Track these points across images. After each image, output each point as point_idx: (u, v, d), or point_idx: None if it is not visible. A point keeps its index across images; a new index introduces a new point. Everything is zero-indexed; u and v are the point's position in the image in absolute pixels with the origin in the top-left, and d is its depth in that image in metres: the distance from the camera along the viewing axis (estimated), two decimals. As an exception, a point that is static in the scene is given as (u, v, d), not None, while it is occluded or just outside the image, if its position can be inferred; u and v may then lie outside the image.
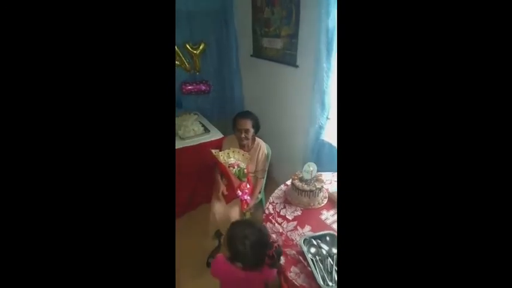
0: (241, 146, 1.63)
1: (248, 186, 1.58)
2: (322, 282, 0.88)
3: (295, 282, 0.91)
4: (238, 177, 1.56)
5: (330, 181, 1.43)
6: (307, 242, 1.02)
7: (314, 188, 1.23)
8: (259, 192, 1.70)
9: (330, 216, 1.20)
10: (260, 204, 1.75)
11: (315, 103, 1.65)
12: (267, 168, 1.73)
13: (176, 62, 2.25)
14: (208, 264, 1.65)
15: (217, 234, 1.63)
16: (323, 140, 1.72)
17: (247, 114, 1.60)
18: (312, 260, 0.95)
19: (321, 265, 0.95)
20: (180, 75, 2.32)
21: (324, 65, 1.51)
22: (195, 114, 2.31)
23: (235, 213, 1.49)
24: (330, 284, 0.88)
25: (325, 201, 1.29)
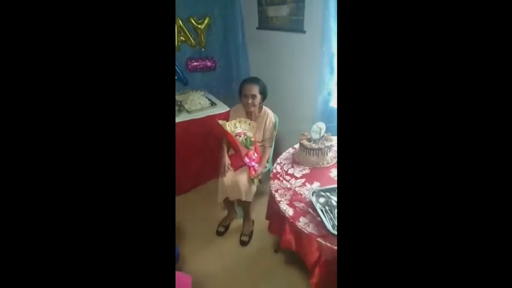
0: (248, 114, 1.60)
1: (256, 154, 1.56)
2: (332, 229, 0.85)
3: (305, 231, 0.89)
4: (245, 146, 1.54)
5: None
6: (316, 194, 1.00)
7: (323, 146, 1.20)
8: (267, 161, 1.68)
9: (340, 174, 1.17)
10: (268, 173, 1.73)
11: (323, 68, 1.60)
12: (274, 137, 1.71)
13: (181, 37, 2.23)
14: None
15: (226, 202, 1.63)
16: (332, 107, 1.68)
17: (254, 80, 1.57)
18: (321, 210, 0.93)
19: (330, 214, 0.92)
20: (185, 51, 2.30)
21: (332, 25, 1.45)
22: (202, 91, 2.30)
23: (243, 180, 1.47)
24: (340, 229, 0.86)
25: (335, 160, 1.25)
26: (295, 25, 1.77)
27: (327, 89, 1.64)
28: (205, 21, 2.23)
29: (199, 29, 2.24)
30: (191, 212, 1.81)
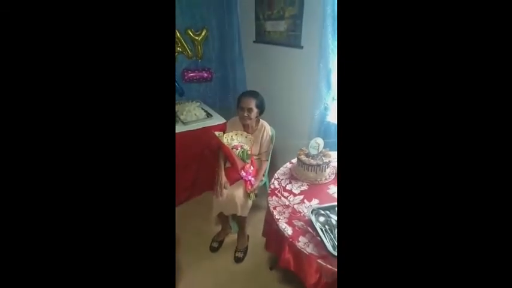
0: (244, 127, 1.59)
1: (252, 168, 1.54)
2: (332, 250, 0.83)
3: (305, 251, 0.87)
4: (242, 159, 1.52)
5: (337, 159, 1.39)
6: (316, 212, 0.98)
7: (321, 162, 1.19)
8: (264, 175, 1.66)
9: (338, 191, 1.16)
10: (264, 188, 1.70)
11: (320, 83, 1.61)
12: (271, 151, 1.69)
13: (178, 48, 2.22)
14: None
15: (221, 216, 1.58)
16: (329, 121, 1.69)
17: (252, 94, 1.56)
18: (321, 229, 0.91)
19: (330, 234, 0.90)
20: (181, 62, 2.29)
21: (330, 42, 1.48)
22: (197, 102, 2.28)
23: (239, 194, 1.44)
24: (341, 250, 0.84)
25: (333, 177, 1.25)
26: (293, 40, 1.80)
27: (323, 104, 1.65)
28: (203, 33, 2.24)
29: (197, 40, 2.24)
30: (184, 226, 1.75)
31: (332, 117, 1.67)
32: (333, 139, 1.58)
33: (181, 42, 2.21)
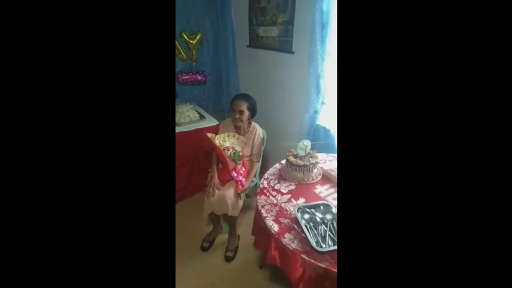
0: (236, 128, 1.63)
1: (243, 169, 1.58)
2: (315, 245, 0.87)
3: (289, 247, 0.91)
4: (233, 160, 1.56)
5: (324, 160, 1.43)
6: (301, 210, 1.02)
7: (308, 163, 1.24)
8: (255, 176, 1.69)
9: (324, 190, 1.20)
10: (255, 188, 1.74)
11: (310, 87, 1.67)
12: (262, 152, 1.73)
13: (173, 51, 2.26)
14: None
15: (212, 216, 1.61)
16: (318, 124, 1.74)
17: (244, 97, 1.61)
18: (305, 226, 0.95)
19: (314, 231, 0.95)
20: (176, 65, 2.33)
21: (319, 47, 1.54)
22: (191, 104, 2.32)
23: (230, 194, 1.48)
24: (323, 245, 0.88)
25: (319, 177, 1.29)
26: (284, 46, 1.86)
27: (313, 108, 1.71)
28: (197, 37, 2.29)
29: (191, 43, 2.29)
30: (175, 226, 1.77)
31: (321, 120, 1.73)
32: (322, 141, 1.64)
33: (176, 45, 2.25)
